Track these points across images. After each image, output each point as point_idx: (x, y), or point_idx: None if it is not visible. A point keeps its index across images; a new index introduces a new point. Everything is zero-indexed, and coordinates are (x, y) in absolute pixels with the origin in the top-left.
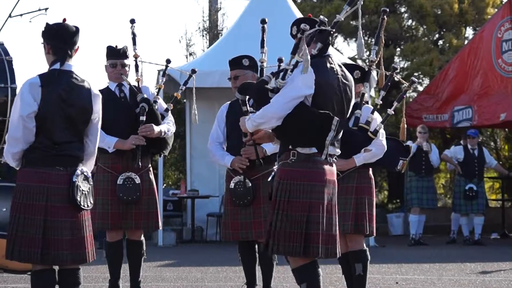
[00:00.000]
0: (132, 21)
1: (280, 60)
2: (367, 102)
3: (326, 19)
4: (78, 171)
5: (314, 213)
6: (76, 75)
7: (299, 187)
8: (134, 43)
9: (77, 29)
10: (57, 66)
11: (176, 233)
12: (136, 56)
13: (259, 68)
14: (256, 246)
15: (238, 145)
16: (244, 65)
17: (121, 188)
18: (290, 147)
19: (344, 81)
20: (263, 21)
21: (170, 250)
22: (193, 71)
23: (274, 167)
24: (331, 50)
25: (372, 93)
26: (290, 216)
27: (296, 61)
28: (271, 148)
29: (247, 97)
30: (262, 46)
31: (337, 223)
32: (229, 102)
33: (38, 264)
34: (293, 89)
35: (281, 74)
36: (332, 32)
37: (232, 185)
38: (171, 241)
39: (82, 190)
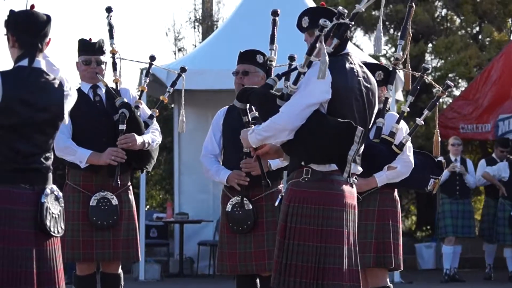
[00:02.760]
0: (109, 10)
1: (291, 59)
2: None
3: (345, 11)
4: (48, 190)
5: (332, 243)
6: (47, 73)
7: (313, 211)
8: (111, 37)
9: (48, 17)
10: (24, 62)
11: (161, 265)
12: (113, 52)
13: (267, 68)
14: (258, 281)
15: (236, 159)
16: (258, 61)
17: (94, 211)
18: (302, 163)
19: (366, 84)
20: (274, 13)
21: (154, 285)
22: (183, 70)
23: (280, 186)
24: (349, 47)
25: (400, 96)
26: (302, 246)
27: (309, 62)
28: (276, 161)
29: (248, 105)
30: (272, 42)
31: (358, 255)
32: (226, 107)
33: None
34: (307, 95)
35: (292, 76)
36: (350, 26)
37: (229, 207)
38: (154, 274)
39: (52, 213)
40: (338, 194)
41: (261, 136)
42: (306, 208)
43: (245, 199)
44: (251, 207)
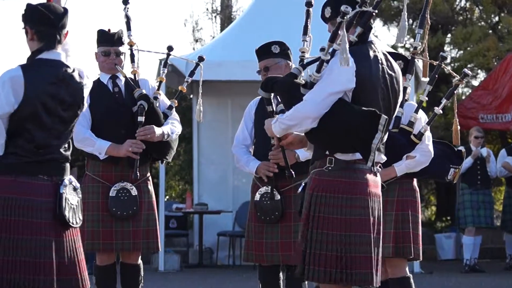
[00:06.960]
0: (125, 2)
1: (323, 50)
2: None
3: None
4: (66, 181)
5: (357, 231)
6: (66, 65)
7: (337, 200)
8: (129, 29)
9: (65, 10)
10: (44, 55)
11: (180, 256)
12: (131, 44)
13: (298, 59)
14: (286, 268)
15: (266, 150)
16: (274, 52)
17: (114, 201)
18: (326, 152)
19: (391, 72)
20: (308, 4)
21: (173, 276)
22: (201, 59)
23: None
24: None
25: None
26: (326, 235)
27: (333, 50)
28: (305, 153)
29: (272, 94)
30: (305, 33)
31: (380, 245)
32: (259, 97)
33: None
34: (330, 83)
35: (316, 65)
36: (373, 14)
37: (257, 196)
38: (174, 265)
39: (71, 203)
40: (361, 183)
41: (284, 125)
42: (329, 197)
43: (274, 189)
44: (279, 197)
